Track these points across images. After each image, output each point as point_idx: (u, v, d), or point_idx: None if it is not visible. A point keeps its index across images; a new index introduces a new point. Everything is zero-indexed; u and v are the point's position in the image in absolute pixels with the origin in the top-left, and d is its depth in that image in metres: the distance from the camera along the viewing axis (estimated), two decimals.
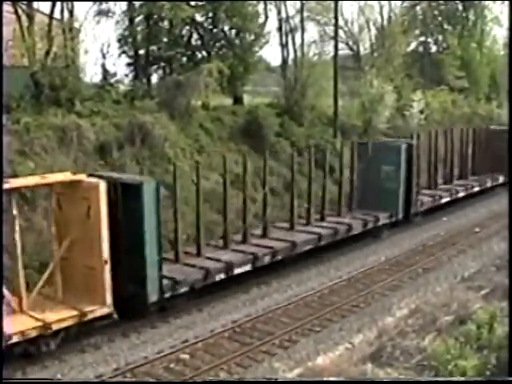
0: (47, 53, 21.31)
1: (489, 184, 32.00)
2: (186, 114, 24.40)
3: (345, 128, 30.95)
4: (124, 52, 26.97)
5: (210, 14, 28.37)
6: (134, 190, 14.44)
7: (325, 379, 11.17)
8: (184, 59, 28.42)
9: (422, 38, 46.84)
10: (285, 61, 32.75)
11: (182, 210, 18.12)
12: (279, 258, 18.77)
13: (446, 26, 48.54)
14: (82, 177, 14.49)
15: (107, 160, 20.21)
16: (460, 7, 48.48)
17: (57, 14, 22.06)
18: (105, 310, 13.88)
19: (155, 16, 26.33)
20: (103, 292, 13.76)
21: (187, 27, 28.17)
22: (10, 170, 16.82)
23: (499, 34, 50.07)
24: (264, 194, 20.32)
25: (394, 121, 34.11)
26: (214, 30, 28.76)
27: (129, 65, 27.45)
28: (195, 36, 28.84)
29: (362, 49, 39.10)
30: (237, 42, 28.95)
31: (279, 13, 31.98)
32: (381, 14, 39.49)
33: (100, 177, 14.56)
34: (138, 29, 26.86)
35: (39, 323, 12.90)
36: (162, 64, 28.25)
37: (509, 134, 31.59)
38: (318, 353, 13.76)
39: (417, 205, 25.06)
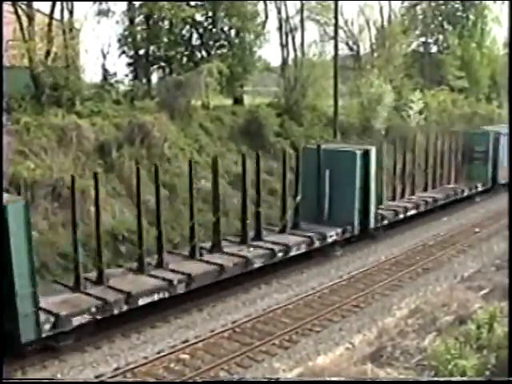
0: (47, 53, 21.32)
1: (293, 251, 18.97)
2: (185, 114, 24.43)
3: (344, 128, 30.97)
4: (124, 52, 27.00)
5: (210, 14, 28.41)
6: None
7: (325, 379, 11.17)
8: (184, 59, 28.44)
9: (423, 38, 46.86)
10: (285, 61, 32.79)
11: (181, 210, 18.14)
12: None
13: (446, 26, 48.58)
14: None
15: (106, 160, 20.22)
16: (460, 7, 48.52)
17: (57, 14, 22.12)
18: None
19: (155, 16, 26.36)
20: None
21: (187, 27, 28.19)
22: (10, 169, 16.85)
23: (499, 34, 50.17)
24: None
25: (393, 121, 34.14)
26: (214, 30, 28.79)
27: (129, 65, 27.48)
28: (195, 36, 28.87)
29: (362, 49, 39.20)
30: (236, 41, 28.98)
31: (279, 12, 32.06)
32: (381, 14, 39.59)
33: None
34: (138, 29, 26.89)
35: None
36: (162, 64, 28.27)
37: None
38: (318, 353, 13.77)
39: None
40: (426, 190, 28.45)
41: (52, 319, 13.16)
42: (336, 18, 31.34)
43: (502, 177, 32.10)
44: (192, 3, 27.55)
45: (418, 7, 46.82)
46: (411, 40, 42.95)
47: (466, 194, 29.43)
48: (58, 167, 18.34)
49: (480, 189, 30.86)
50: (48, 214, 17.24)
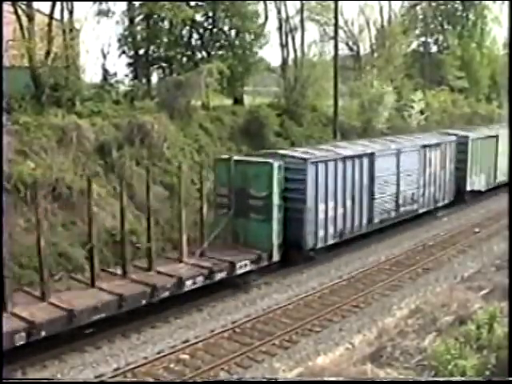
0: (47, 53, 21.32)
1: None
2: (185, 114, 24.42)
3: (344, 128, 30.98)
4: (124, 52, 27.00)
5: (210, 14, 28.42)
6: None
7: (325, 379, 11.17)
8: (184, 59, 28.44)
9: (422, 38, 46.92)
10: (285, 61, 32.77)
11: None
12: None
13: (446, 26, 48.64)
14: None
15: (107, 160, 20.23)
16: (460, 7, 48.57)
17: (57, 14, 22.10)
18: None
19: (155, 16, 26.35)
20: None
21: (187, 27, 28.20)
22: (12, 169, 16.84)
23: (499, 34, 50.25)
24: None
25: (394, 121, 34.15)
26: (214, 30, 28.81)
27: (129, 65, 27.48)
28: (195, 36, 28.88)
29: (362, 49, 39.22)
30: (237, 42, 28.99)
31: (279, 13, 32.02)
32: (381, 14, 39.62)
33: None
34: (138, 29, 26.89)
35: None
36: (162, 64, 28.27)
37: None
38: (318, 353, 13.77)
39: None
40: (93, 284, 15.06)
41: None
42: (336, 18, 31.32)
43: (330, 236, 19.99)
44: (192, 3, 27.55)
45: (418, 7, 46.86)
46: (411, 40, 43.00)
47: (188, 286, 15.82)
48: (58, 167, 18.34)
49: (245, 269, 17.29)
50: (48, 214, 17.22)
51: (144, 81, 27.60)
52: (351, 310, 16.49)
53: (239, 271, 17.17)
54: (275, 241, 18.29)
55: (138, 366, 13.11)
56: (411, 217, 24.69)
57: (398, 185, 23.44)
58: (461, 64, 44.67)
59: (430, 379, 10.74)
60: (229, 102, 30.08)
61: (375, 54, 38.89)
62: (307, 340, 14.60)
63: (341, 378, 10.99)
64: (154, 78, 28.91)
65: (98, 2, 25.47)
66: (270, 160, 18.41)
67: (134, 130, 21.35)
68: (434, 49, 48.63)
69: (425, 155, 25.11)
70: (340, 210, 20.40)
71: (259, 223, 18.27)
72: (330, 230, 20.07)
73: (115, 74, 26.44)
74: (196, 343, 14.29)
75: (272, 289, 18.07)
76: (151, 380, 12.79)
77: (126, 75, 27.43)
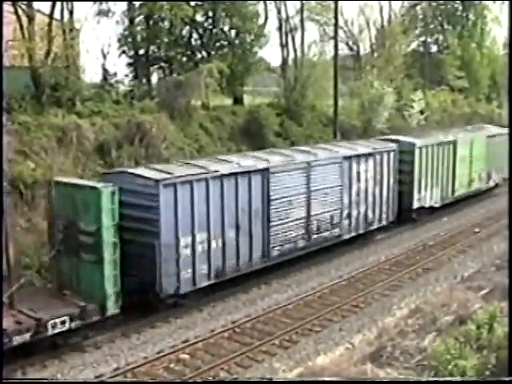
0: (47, 53, 21.35)
1: None
2: (185, 114, 24.45)
3: (344, 128, 30.98)
4: (124, 52, 27.04)
5: (210, 14, 28.46)
6: None
7: (325, 379, 11.17)
8: (184, 59, 28.48)
9: (422, 38, 46.97)
10: (285, 61, 32.81)
11: None
12: None
13: (446, 26, 48.70)
14: None
15: (106, 160, 20.24)
16: (460, 7, 48.63)
17: (57, 14, 22.13)
18: None
19: (155, 16, 26.38)
20: None
21: (187, 27, 28.24)
22: (12, 169, 16.85)
23: (499, 34, 50.31)
24: None
25: (394, 121, 34.16)
26: (214, 30, 28.85)
27: (129, 65, 27.51)
28: (195, 36, 28.93)
29: (362, 49, 39.26)
30: (237, 42, 29.02)
31: (279, 13, 32.05)
32: (381, 14, 39.66)
33: None
34: (138, 29, 26.92)
35: None
36: (162, 64, 28.30)
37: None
38: (318, 353, 13.77)
39: None
40: None
41: None
42: (336, 18, 31.32)
43: (202, 277, 15.93)
44: (192, 3, 27.58)
45: (418, 7, 46.90)
46: (411, 40, 43.05)
47: None
48: (58, 167, 18.34)
49: (62, 327, 13.07)
50: (48, 213, 17.22)
51: (144, 81, 27.63)
52: (351, 310, 16.48)
53: (52, 331, 12.88)
54: (109, 289, 13.80)
55: (138, 366, 13.10)
56: (334, 244, 20.53)
57: (308, 206, 18.97)
58: (461, 64, 44.71)
59: (430, 379, 10.75)
60: (229, 101, 30.12)
61: (375, 54, 38.93)
62: (307, 340, 14.60)
63: (341, 378, 11.00)
64: (154, 78, 29.01)
65: (98, 2, 25.52)
66: (99, 185, 14.04)
67: (132, 129, 21.37)
68: (434, 49, 48.73)
69: (350, 168, 20.55)
70: (216, 244, 16.18)
71: (91, 265, 13.88)
72: (202, 269, 15.89)
73: (115, 74, 26.54)
74: (196, 343, 14.28)
75: (272, 289, 18.06)
76: (151, 380, 12.79)
77: (126, 75, 27.54)
